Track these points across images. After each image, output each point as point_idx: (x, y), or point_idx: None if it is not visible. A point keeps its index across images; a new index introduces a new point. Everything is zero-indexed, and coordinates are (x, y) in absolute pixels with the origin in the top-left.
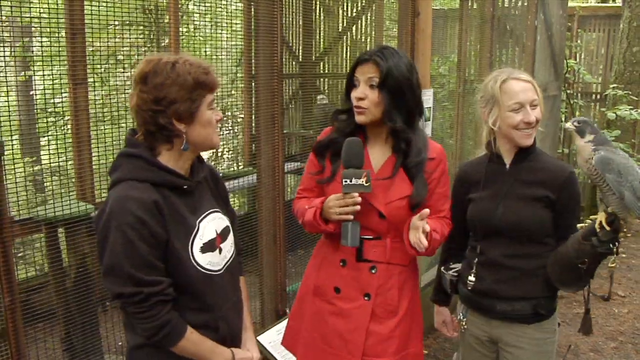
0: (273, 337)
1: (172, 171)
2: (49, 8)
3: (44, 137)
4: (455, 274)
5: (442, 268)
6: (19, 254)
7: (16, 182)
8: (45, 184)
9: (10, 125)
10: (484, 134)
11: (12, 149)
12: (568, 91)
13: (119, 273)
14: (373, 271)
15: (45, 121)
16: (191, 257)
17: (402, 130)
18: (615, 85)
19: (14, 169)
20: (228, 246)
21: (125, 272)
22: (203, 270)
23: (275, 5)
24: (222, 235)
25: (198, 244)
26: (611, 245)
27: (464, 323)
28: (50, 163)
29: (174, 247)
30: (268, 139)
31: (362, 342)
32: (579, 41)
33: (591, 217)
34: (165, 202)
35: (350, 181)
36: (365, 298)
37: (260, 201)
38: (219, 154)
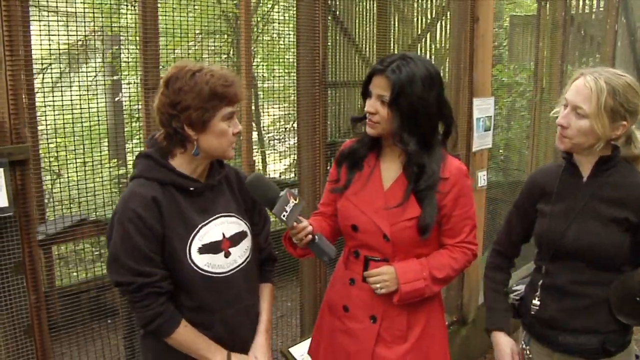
0: (305, 350)
1: (179, 172)
2: (127, 19)
3: (129, 141)
4: (517, 297)
5: (505, 289)
6: (96, 252)
7: (102, 184)
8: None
9: (99, 130)
10: None
11: (100, 152)
12: None
13: (118, 263)
14: (377, 293)
15: (130, 126)
16: (188, 256)
17: (414, 154)
18: None
19: (101, 171)
20: (240, 251)
21: (122, 262)
22: (200, 270)
23: (316, 14)
24: (232, 240)
25: (197, 244)
26: None
27: (527, 352)
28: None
29: (170, 243)
30: (309, 148)
31: None
32: None
33: None
34: (167, 200)
35: (287, 213)
36: (371, 321)
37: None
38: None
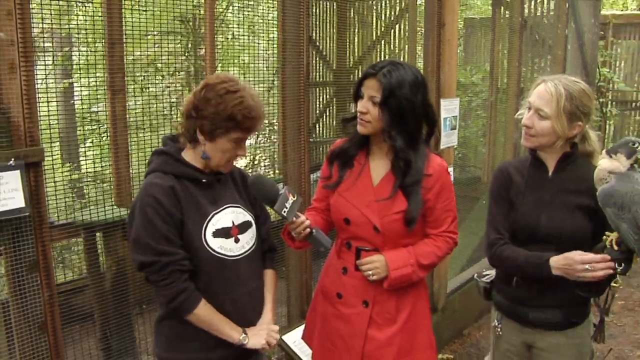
0: (298, 337)
1: (192, 166)
2: (85, 19)
3: (83, 145)
4: (488, 281)
5: (475, 275)
6: (59, 258)
7: (55, 188)
8: (85, 190)
9: (50, 133)
10: None
11: (52, 156)
12: (601, 100)
13: (140, 245)
14: (369, 280)
15: (84, 129)
16: (203, 239)
17: (401, 150)
18: None
19: (54, 175)
20: (247, 238)
21: (145, 244)
22: (213, 252)
23: (301, 17)
24: (240, 228)
25: (211, 228)
26: (617, 266)
27: (499, 329)
28: (93, 170)
29: (187, 227)
30: (295, 147)
31: (361, 347)
32: (614, 49)
33: (607, 232)
34: (183, 190)
35: (287, 209)
36: (364, 305)
37: None
38: (256, 161)
